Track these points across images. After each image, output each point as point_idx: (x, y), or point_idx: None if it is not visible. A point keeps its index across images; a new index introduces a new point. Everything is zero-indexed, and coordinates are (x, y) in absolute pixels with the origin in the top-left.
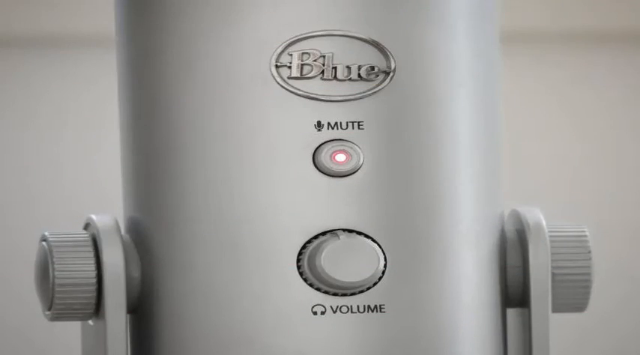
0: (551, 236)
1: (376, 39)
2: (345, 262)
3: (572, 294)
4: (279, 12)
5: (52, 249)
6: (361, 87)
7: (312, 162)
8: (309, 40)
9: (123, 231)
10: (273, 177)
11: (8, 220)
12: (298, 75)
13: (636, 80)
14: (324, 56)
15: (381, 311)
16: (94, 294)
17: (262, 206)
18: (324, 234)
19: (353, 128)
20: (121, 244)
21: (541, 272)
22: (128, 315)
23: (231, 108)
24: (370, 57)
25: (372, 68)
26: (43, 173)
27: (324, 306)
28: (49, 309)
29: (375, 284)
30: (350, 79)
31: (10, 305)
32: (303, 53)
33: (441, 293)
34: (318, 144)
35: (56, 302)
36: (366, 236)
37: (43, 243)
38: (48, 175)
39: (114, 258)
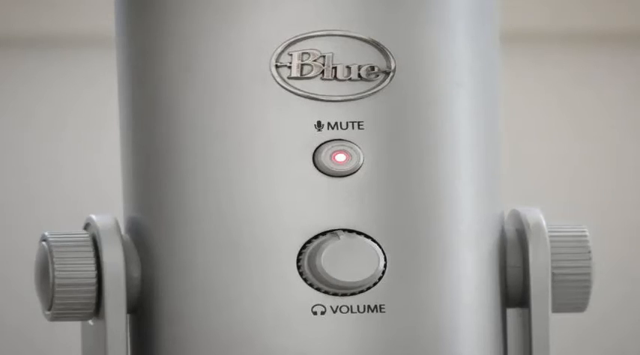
0: (551, 236)
1: (376, 39)
2: (345, 262)
3: (572, 294)
4: (279, 12)
5: (52, 249)
6: (361, 87)
7: (312, 162)
8: (309, 40)
9: (123, 231)
10: (273, 177)
11: (8, 220)
12: (298, 75)
13: (636, 80)
14: (324, 56)
15: (381, 311)
16: (94, 294)
17: (262, 206)
18: (324, 234)
19: (353, 128)
20: (121, 244)
21: (541, 273)
22: (128, 315)
23: (231, 108)
24: (370, 57)
25: (372, 68)
26: (43, 173)
27: (324, 306)
28: (49, 309)
29: (375, 284)
30: (350, 79)
31: (10, 305)
32: (303, 53)
33: (441, 293)
34: (318, 144)
35: (56, 302)
36: (366, 236)
37: (43, 243)
38: (48, 175)
39: (114, 258)
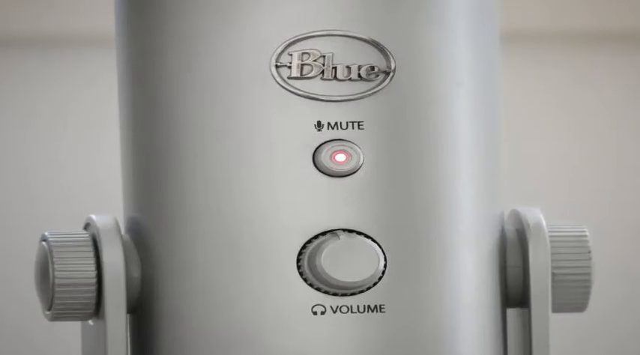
0: (551, 236)
1: (376, 39)
2: (345, 262)
3: (572, 294)
4: (279, 12)
5: (52, 249)
6: (361, 87)
7: (312, 162)
8: (309, 40)
9: (123, 231)
10: (273, 177)
11: (8, 220)
12: (298, 75)
13: (636, 80)
14: (324, 56)
15: (381, 311)
16: (94, 294)
17: (262, 206)
18: (324, 234)
19: (353, 128)
20: (121, 244)
21: (541, 273)
22: (128, 315)
23: (231, 108)
24: (370, 57)
25: (372, 68)
26: (43, 173)
27: (324, 306)
28: (49, 309)
29: (375, 284)
30: (350, 79)
31: (10, 305)
32: (303, 53)
33: (441, 293)
34: (318, 144)
35: (56, 302)
36: (366, 236)
37: (43, 243)
38: (48, 175)
39: (114, 258)
